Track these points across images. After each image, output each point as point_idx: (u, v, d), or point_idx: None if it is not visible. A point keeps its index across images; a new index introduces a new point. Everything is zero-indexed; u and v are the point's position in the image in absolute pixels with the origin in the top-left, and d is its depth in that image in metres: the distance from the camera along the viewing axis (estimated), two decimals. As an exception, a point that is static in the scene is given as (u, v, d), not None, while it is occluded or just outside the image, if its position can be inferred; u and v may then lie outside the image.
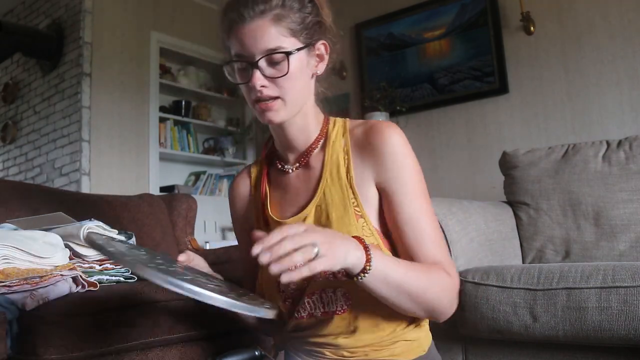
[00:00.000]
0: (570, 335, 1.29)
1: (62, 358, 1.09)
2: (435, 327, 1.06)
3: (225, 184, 4.52)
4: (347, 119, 1.03)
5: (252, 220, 1.07)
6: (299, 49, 0.90)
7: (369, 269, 0.77)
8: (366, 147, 0.94)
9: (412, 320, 0.96)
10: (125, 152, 3.78)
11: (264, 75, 0.88)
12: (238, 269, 1.15)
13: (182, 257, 0.94)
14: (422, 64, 3.66)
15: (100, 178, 3.60)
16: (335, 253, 0.73)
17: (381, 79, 3.71)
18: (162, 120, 4.11)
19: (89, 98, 3.61)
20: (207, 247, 3.09)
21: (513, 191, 2.00)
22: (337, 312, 0.91)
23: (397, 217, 0.91)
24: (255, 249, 0.69)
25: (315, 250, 0.71)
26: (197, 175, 4.53)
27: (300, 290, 0.95)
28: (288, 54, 0.88)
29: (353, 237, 0.80)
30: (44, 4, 4.04)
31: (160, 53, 4.13)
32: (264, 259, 0.68)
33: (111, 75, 3.75)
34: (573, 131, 3.04)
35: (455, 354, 1.55)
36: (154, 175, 3.92)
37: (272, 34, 0.87)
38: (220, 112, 4.77)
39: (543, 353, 1.40)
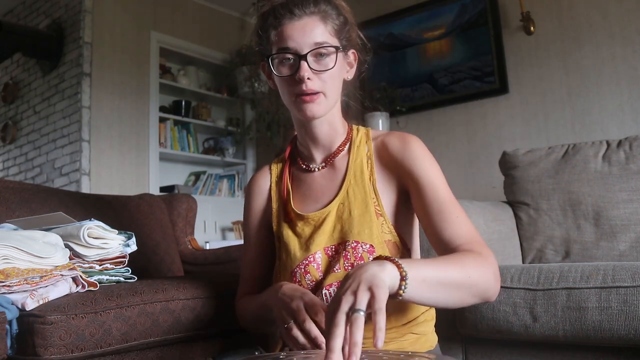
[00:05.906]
0: (570, 335, 1.29)
1: (62, 358, 1.09)
2: (435, 327, 1.06)
3: (225, 184, 4.52)
4: (369, 128, 1.10)
5: (271, 214, 1.10)
6: (343, 47, 0.98)
7: (405, 284, 0.72)
8: (389, 153, 1.02)
9: (419, 315, 0.99)
10: (125, 152, 3.79)
11: (310, 68, 0.94)
12: (238, 267, 1.14)
13: None
14: (422, 64, 3.65)
15: (100, 178, 3.60)
16: (379, 294, 0.67)
17: (381, 79, 3.71)
18: (162, 120, 4.11)
19: (89, 98, 3.61)
20: (207, 247, 3.09)
21: (513, 191, 2.00)
22: None
23: (424, 203, 0.96)
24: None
25: (361, 313, 0.65)
26: (197, 175, 4.53)
27: (317, 282, 0.98)
28: (337, 48, 0.96)
29: (374, 259, 0.76)
30: (44, 4, 4.04)
31: (160, 53, 4.13)
32: None
33: (111, 75, 3.75)
34: (573, 131, 3.04)
35: (455, 354, 1.55)
36: (154, 175, 3.93)
37: (320, 30, 0.95)
38: (220, 112, 4.77)
39: (543, 353, 1.40)
